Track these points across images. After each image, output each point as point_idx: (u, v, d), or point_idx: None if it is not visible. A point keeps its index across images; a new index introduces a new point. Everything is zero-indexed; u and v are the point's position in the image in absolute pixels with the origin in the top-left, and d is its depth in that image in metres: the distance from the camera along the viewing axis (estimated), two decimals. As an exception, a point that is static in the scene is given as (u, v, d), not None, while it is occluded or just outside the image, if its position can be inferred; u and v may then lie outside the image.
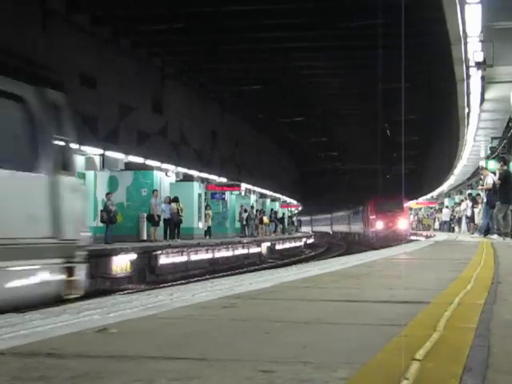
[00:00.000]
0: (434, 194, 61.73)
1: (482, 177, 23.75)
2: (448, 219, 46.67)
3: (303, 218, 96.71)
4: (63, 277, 9.27)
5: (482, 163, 29.91)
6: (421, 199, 65.94)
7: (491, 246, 14.41)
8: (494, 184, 20.45)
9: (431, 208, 64.53)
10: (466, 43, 17.22)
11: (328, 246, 57.23)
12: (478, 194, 32.09)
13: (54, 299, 8.95)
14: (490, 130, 28.82)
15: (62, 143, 9.63)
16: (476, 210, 32.28)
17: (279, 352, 2.92)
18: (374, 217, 52.84)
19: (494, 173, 21.15)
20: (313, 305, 4.70)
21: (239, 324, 3.79)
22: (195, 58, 32.80)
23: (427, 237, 37.98)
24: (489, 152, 31.01)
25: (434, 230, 52.14)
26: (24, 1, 21.39)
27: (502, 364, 2.68)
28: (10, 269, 8.37)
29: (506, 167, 20.56)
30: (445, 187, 54.50)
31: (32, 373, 2.55)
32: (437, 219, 54.79)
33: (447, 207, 51.80)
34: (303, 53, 32.20)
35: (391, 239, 42.70)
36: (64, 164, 9.62)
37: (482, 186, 22.83)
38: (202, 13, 25.17)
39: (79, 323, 3.91)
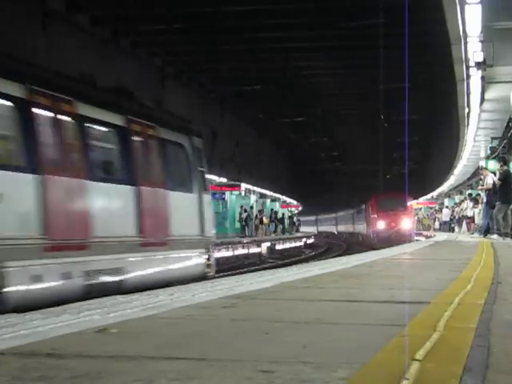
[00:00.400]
0: (434, 194, 61.73)
1: (481, 177, 23.76)
2: (448, 219, 46.68)
3: (307, 218, 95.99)
4: (205, 261, 14.31)
5: (482, 163, 29.91)
6: (421, 199, 65.76)
7: (491, 246, 14.41)
8: (494, 184, 20.45)
9: (431, 208, 64.52)
10: (466, 43, 17.21)
11: (328, 246, 57.01)
12: (479, 194, 32.09)
13: (201, 277, 13.49)
14: (489, 130, 28.81)
15: (202, 172, 14.67)
16: (476, 210, 32.30)
17: (279, 352, 2.92)
18: (375, 216, 48.98)
19: (494, 173, 21.16)
20: (313, 305, 4.70)
21: (239, 324, 3.79)
22: (195, 58, 32.81)
23: (427, 237, 37.98)
24: (489, 152, 31.01)
25: (434, 230, 52.11)
26: (24, 1, 21.39)
27: (502, 364, 2.68)
28: (182, 255, 13.42)
29: (505, 167, 20.57)
30: (445, 187, 54.50)
31: (32, 373, 2.55)
32: (437, 219, 54.78)
33: (447, 207, 51.79)
34: (303, 53, 32.20)
35: (394, 240, 39.03)
36: (204, 186, 14.72)
37: (482, 186, 22.84)
38: (201, 13, 25.17)
39: (79, 323, 3.91)
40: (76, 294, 9.46)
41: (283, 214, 64.55)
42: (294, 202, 73.79)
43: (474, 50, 17.45)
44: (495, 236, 19.62)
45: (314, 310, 4.40)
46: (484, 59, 17.60)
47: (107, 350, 3.02)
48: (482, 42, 16.97)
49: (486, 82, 20.13)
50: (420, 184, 66.69)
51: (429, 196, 64.41)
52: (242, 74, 35.24)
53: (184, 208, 13.69)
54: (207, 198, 14.89)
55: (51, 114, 9.99)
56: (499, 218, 19.71)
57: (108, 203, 11.35)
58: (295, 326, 3.70)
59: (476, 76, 19.33)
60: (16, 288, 8.64)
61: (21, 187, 9.10)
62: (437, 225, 53.96)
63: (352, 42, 29.26)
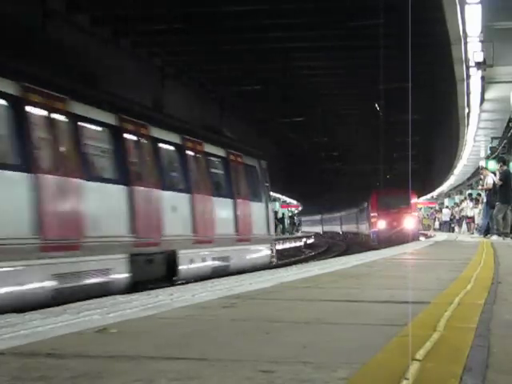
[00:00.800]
0: (434, 194, 61.74)
1: (481, 177, 23.77)
2: (448, 219, 46.69)
3: (311, 218, 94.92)
4: (271, 252, 19.83)
5: (482, 163, 29.92)
6: (421, 199, 65.66)
7: (491, 246, 14.41)
8: (494, 184, 20.47)
9: (431, 208, 64.55)
10: (466, 43, 17.22)
11: (328, 246, 56.91)
12: (479, 194, 32.11)
13: (269, 263, 19.01)
14: (489, 130, 28.82)
15: (267, 187, 20.19)
16: (476, 210, 32.33)
17: (279, 352, 2.92)
18: (376, 215, 44.16)
19: (494, 173, 21.18)
20: (313, 305, 4.70)
21: (239, 324, 3.79)
22: (195, 58, 32.80)
23: (427, 237, 37.93)
24: (489, 152, 31.02)
25: (434, 230, 52.11)
26: (24, 1, 21.39)
27: (502, 364, 2.68)
28: (258, 248, 18.84)
29: (505, 167, 20.59)
30: (445, 187, 54.50)
31: (32, 373, 2.55)
32: (437, 219, 54.78)
33: (447, 207, 51.81)
34: (303, 53, 32.20)
35: (396, 241, 34.74)
36: (269, 197, 20.40)
37: (482, 186, 22.86)
38: (201, 13, 25.17)
39: (79, 323, 3.91)
40: (209, 272, 14.74)
41: (283, 214, 64.50)
42: (294, 202, 73.76)
43: (474, 50, 17.45)
44: (495, 236, 19.64)
45: (313, 309, 4.40)
46: (484, 59, 17.60)
47: (107, 350, 3.02)
48: (481, 41, 16.97)
49: (486, 82, 20.13)
50: (420, 184, 66.69)
51: (429, 196, 64.44)
52: (242, 74, 35.23)
53: (258, 214, 18.97)
54: (271, 206, 20.61)
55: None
56: (499, 219, 19.73)
57: (223, 212, 16.57)
58: (295, 326, 3.70)
59: (476, 76, 19.33)
60: (186, 266, 13.92)
61: (183, 201, 14.38)
62: (437, 225, 53.99)
63: (352, 42, 29.27)
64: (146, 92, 30.74)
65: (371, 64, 30.34)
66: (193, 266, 14.33)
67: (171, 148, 14.47)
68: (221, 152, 16.99)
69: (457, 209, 44.07)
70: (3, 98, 9.35)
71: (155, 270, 12.81)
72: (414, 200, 44.17)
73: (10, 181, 9.21)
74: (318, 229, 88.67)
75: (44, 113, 10.17)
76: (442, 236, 31.46)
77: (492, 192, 20.88)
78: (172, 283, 12.58)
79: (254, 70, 33.80)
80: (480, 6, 14.83)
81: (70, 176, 10.35)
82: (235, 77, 35.14)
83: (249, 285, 6.33)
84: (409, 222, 41.99)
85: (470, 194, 37.98)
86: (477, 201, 32.92)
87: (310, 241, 63.20)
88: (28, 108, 9.78)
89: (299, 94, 39.58)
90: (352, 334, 3.41)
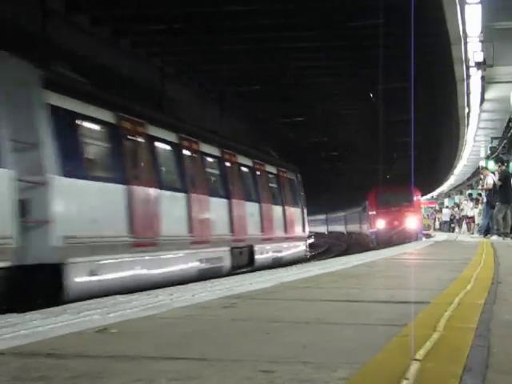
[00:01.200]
0: (434, 194, 61.74)
1: (481, 177, 23.78)
2: (448, 219, 46.71)
3: (316, 217, 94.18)
4: (306, 248, 25.15)
5: (482, 163, 29.94)
6: (422, 199, 65.52)
7: (491, 246, 14.42)
8: (495, 184, 20.47)
9: (431, 208, 64.58)
10: (466, 43, 17.22)
11: (328, 246, 56.79)
12: (480, 194, 32.11)
13: (304, 257, 23.98)
14: (489, 130, 28.83)
15: (303, 195, 25.46)
16: (476, 210, 32.33)
17: (279, 352, 2.92)
18: (374, 213, 40.22)
19: (494, 173, 21.19)
20: (313, 305, 4.70)
21: (239, 324, 3.79)
22: (195, 58, 32.79)
23: (427, 237, 37.86)
24: (489, 152, 31.04)
25: (434, 229, 52.12)
26: (24, 1, 21.38)
27: (502, 364, 2.68)
28: (297, 244, 23.65)
29: (503, 167, 20.60)
30: (445, 187, 54.50)
31: (32, 373, 2.55)
32: (437, 219, 54.78)
33: (447, 207, 51.82)
34: (303, 53, 32.18)
35: (397, 242, 31.52)
36: (304, 203, 25.30)
37: (482, 186, 22.87)
38: (201, 13, 25.16)
39: (79, 323, 3.91)
40: (270, 261, 19.55)
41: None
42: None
43: (474, 50, 17.45)
44: (495, 237, 19.64)
45: (313, 310, 4.40)
46: (484, 59, 17.61)
47: (107, 349, 3.02)
48: (481, 41, 16.98)
49: (486, 82, 20.14)
50: (420, 184, 66.62)
51: (429, 196, 64.46)
52: (242, 74, 35.22)
53: (297, 217, 24.01)
54: (305, 210, 25.57)
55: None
56: (499, 219, 19.73)
57: (279, 216, 21.49)
58: (295, 325, 3.70)
59: (476, 76, 19.34)
60: (259, 256, 18.86)
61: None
62: (437, 225, 54.01)
63: (352, 42, 29.26)
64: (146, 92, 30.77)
65: (371, 64, 30.33)
66: (262, 256, 19.26)
67: (257, 172, 20.52)
68: (274, 170, 22.52)
69: (456, 209, 44.10)
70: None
71: (243, 259, 17.86)
72: (417, 197, 40.75)
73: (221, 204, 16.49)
74: (323, 229, 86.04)
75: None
76: (442, 236, 31.47)
77: (492, 192, 20.89)
78: (252, 269, 16.43)
79: (254, 69, 33.79)
80: (480, 6, 14.83)
81: (239, 199, 17.83)
82: (235, 77, 35.13)
83: (249, 285, 6.33)
84: (411, 222, 38.26)
85: (471, 194, 38.00)
86: (477, 201, 32.93)
87: (310, 241, 63.02)
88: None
89: (299, 94, 39.55)
90: (352, 334, 3.41)
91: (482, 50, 17.40)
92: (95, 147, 11.76)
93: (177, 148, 14.71)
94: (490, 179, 21.02)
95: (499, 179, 19.89)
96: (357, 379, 2.42)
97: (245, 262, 17.83)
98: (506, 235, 19.60)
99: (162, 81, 32.22)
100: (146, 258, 12.31)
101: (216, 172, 17.20)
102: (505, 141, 27.92)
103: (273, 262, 19.35)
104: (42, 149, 9.90)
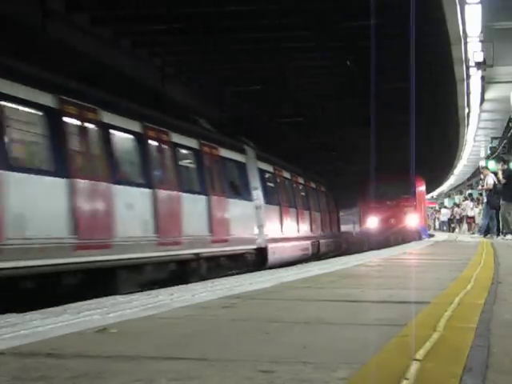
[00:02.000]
0: (434, 194, 61.75)
1: (482, 176, 23.75)
2: (447, 219, 46.73)
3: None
4: (341, 241, 36.00)
5: (482, 163, 29.93)
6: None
7: (491, 246, 14.41)
8: (495, 184, 20.44)
9: (431, 208, 64.61)
10: (466, 43, 17.23)
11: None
12: (480, 194, 32.07)
13: (339, 249, 32.60)
14: (489, 130, 28.84)
15: (333, 202, 34.77)
16: (476, 210, 32.30)
17: (279, 352, 2.92)
18: (367, 209, 33.44)
19: (495, 173, 21.14)
20: (313, 305, 4.70)
21: (239, 324, 3.79)
22: (195, 58, 32.79)
23: (429, 236, 37.82)
24: (489, 152, 31.04)
25: (434, 229, 52.12)
26: (24, 1, 21.38)
27: (502, 364, 2.68)
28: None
29: (506, 166, 20.57)
30: (445, 187, 54.50)
31: (32, 373, 2.55)
32: (437, 219, 54.78)
33: (447, 207, 51.83)
34: (303, 53, 32.19)
35: (395, 242, 27.47)
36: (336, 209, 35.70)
37: (483, 186, 22.83)
38: (201, 13, 25.16)
39: (79, 323, 3.91)
40: (326, 250, 28.99)
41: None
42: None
43: (474, 50, 17.46)
44: (509, 236, 19.34)
45: (313, 309, 4.40)
46: (484, 59, 17.62)
47: (107, 350, 3.02)
48: (481, 42, 16.99)
49: (486, 82, 20.15)
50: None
51: (429, 196, 64.47)
52: (242, 74, 35.23)
53: (336, 219, 31.86)
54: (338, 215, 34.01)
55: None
56: (507, 217, 19.50)
57: (331, 221, 31.59)
58: (295, 326, 3.70)
59: (476, 76, 19.35)
60: (314, 249, 27.00)
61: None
62: (437, 225, 54.01)
63: (352, 42, 29.26)
64: (146, 92, 30.75)
65: (371, 64, 30.30)
66: (324, 246, 27.97)
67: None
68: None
69: (456, 209, 44.09)
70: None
71: (315, 248, 26.53)
72: (419, 188, 33.76)
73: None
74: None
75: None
76: (442, 236, 31.43)
77: (492, 192, 20.84)
78: (319, 256, 24.59)
79: (254, 69, 33.80)
80: (480, 5, 14.84)
81: (313, 210, 27.49)
82: (235, 77, 35.14)
83: (249, 285, 6.33)
84: (411, 219, 32.12)
85: (471, 194, 38.01)
86: (477, 201, 32.90)
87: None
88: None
89: (299, 94, 39.56)
90: (352, 334, 3.41)
91: (482, 50, 17.41)
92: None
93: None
94: (491, 179, 20.99)
95: (504, 178, 19.75)
96: (357, 379, 2.41)
97: (316, 250, 26.71)
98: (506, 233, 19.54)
99: (162, 81, 32.24)
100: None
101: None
102: (505, 141, 27.93)
103: (327, 251, 28.67)
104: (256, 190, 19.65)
